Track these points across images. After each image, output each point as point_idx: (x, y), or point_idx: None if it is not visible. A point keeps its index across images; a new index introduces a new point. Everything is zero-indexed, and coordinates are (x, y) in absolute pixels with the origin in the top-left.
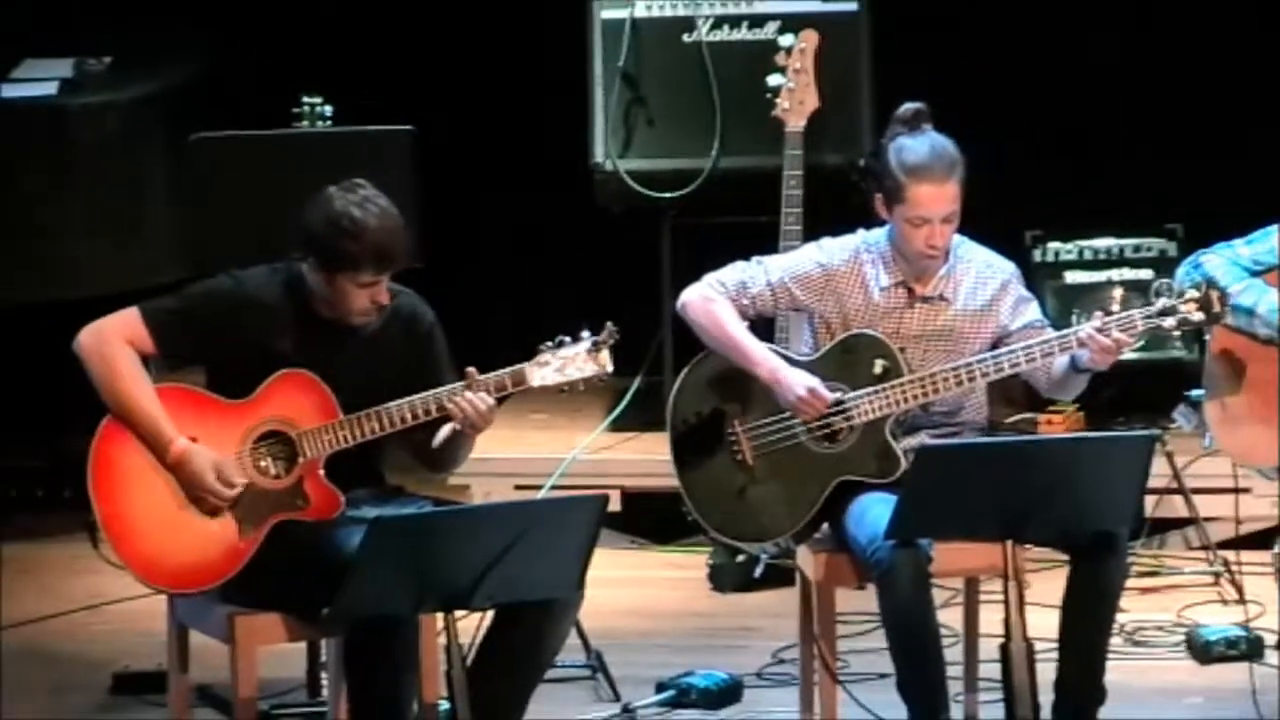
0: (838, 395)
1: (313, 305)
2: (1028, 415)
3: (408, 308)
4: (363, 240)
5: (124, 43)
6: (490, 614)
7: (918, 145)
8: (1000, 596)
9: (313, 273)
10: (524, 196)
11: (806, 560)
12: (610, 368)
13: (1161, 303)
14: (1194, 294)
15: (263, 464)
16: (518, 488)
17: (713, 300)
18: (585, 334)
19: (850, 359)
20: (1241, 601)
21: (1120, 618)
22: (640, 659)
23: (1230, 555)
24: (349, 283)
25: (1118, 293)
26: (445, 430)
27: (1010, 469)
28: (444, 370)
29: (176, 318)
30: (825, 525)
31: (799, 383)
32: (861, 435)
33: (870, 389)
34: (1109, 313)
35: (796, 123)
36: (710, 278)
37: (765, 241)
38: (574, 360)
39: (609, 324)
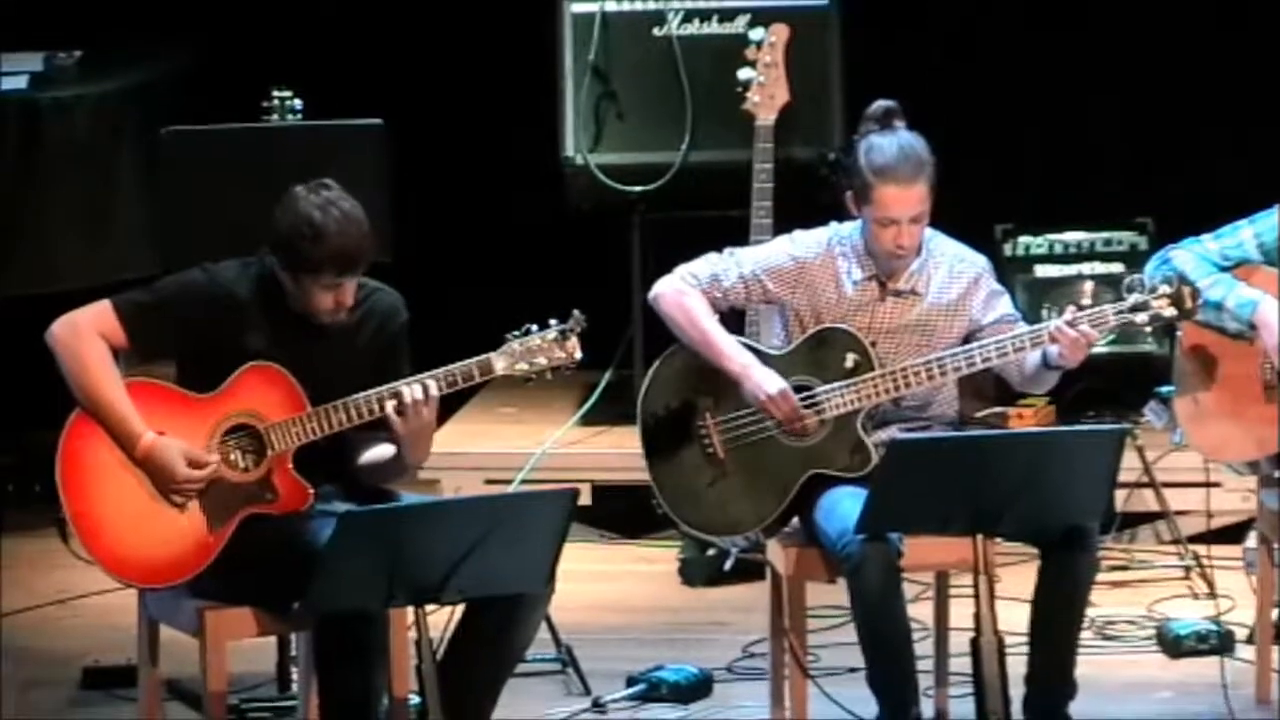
0: (808, 393)
1: (284, 299)
2: (998, 410)
3: (385, 304)
4: (322, 244)
5: (94, 37)
6: (460, 608)
7: (886, 145)
8: (970, 591)
9: (283, 274)
10: (494, 190)
11: (777, 554)
12: (578, 355)
13: (1133, 298)
14: (1166, 290)
15: (231, 457)
16: (488, 482)
17: (685, 293)
18: (553, 321)
19: (822, 353)
20: (1212, 596)
21: (1091, 612)
22: (610, 653)
23: (1201, 549)
24: (312, 284)
25: (1088, 286)
26: (383, 451)
27: (981, 463)
28: (402, 373)
29: (149, 310)
30: (795, 519)
31: (769, 383)
32: (832, 429)
33: (841, 383)
34: (1080, 307)
35: (767, 117)
36: (682, 270)
37: (735, 236)
38: (541, 348)
39: (576, 311)
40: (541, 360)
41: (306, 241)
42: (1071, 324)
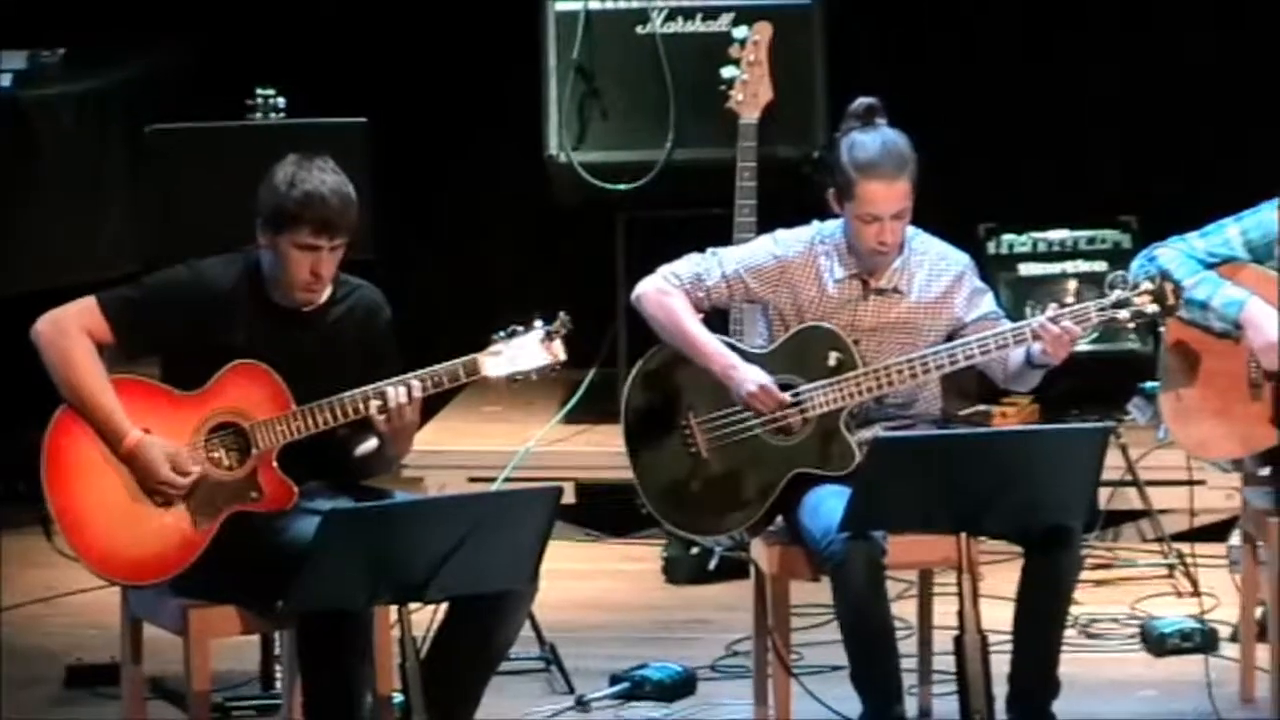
0: (791, 392)
1: (269, 294)
2: (982, 408)
3: (368, 301)
4: (304, 199)
5: (79, 35)
6: (444, 606)
7: (869, 142)
8: (954, 589)
9: (263, 239)
10: (478, 188)
11: (760, 553)
12: (563, 357)
13: (1116, 294)
14: (1148, 286)
15: (216, 455)
16: (472, 480)
17: (667, 293)
18: (538, 323)
19: (804, 351)
20: (1196, 594)
21: (1074, 610)
22: (594, 651)
23: (1185, 548)
24: (290, 244)
25: (1071, 285)
26: (368, 445)
27: (964, 462)
28: (390, 370)
29: (134, 307)
30: (779, 518)
31: (751, 379)
32: (816, 428)
33: (824, 381)
34: (1063, 304)
35: (750, 115)
36: (665, 270)
37: (719, 234)
38: (527, 349)
39: (561, 313)
40: (526, 362)
41: (289, 196)
42: (1054, 320)
